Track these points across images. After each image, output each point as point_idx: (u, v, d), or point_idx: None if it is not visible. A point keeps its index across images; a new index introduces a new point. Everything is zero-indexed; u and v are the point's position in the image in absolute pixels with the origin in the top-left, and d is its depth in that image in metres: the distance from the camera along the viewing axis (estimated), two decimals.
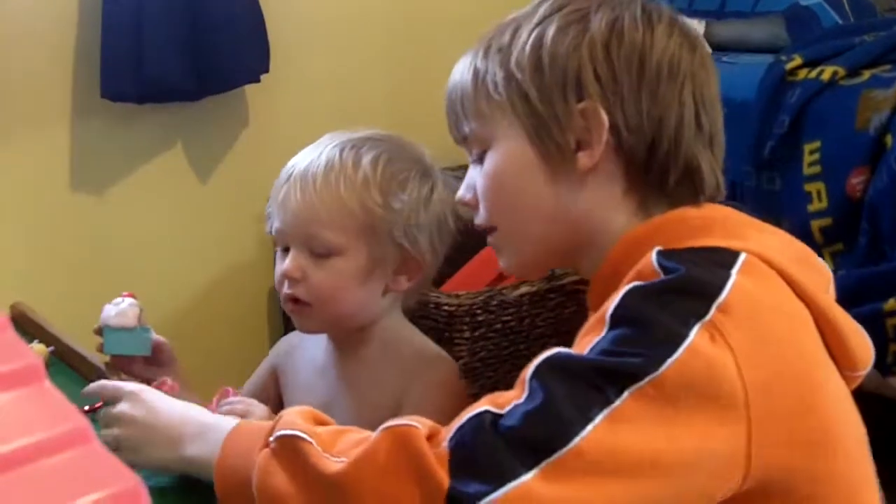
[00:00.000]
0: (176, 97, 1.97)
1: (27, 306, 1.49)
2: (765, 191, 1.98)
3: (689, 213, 0.92)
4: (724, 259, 0.84)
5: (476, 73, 0.97)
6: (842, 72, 1.92)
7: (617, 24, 0.93)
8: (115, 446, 1.03)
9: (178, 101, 1.98)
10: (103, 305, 1.26)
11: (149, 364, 1.26)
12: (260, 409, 1.16)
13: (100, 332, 1.25)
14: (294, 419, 0.91)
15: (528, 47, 0.94)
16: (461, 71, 1.00)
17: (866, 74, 1.92)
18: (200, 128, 2.08)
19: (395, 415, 1.15)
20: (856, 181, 1.83)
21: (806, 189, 1.91)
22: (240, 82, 2.05)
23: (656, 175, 0.93)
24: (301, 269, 1.20)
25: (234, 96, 2.08)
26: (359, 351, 1.26)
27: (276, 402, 1.31)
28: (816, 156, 1.90)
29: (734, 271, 0.82)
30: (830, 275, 0.94)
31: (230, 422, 0.99)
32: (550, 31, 0.94)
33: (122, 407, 1.04)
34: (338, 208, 1.18)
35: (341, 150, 1.21)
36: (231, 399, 1.18)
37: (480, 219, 1.00)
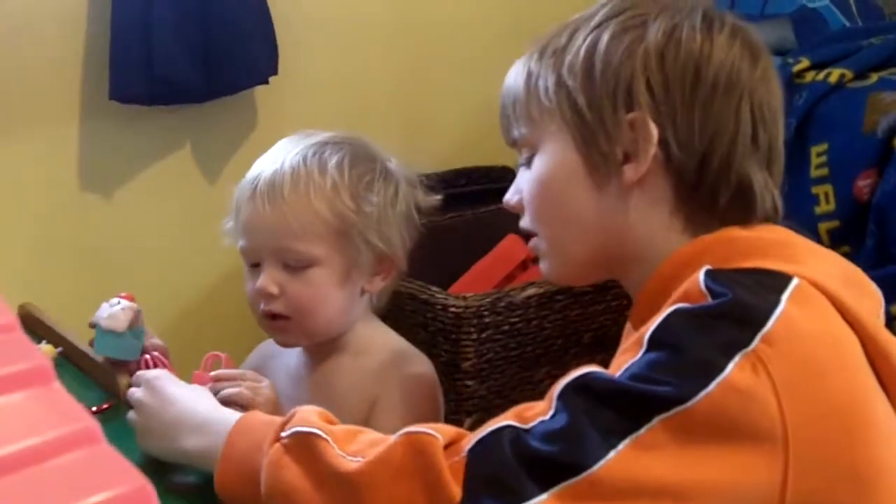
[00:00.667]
0: (185, 99, 1.97)
1: (35, 307, 1.50)
2: None
3: (740, 233, 0.88)
4: (775, 283, 0.81)
5: (529, 76, 0.95)
6: (849, 74, 1.92)
7: (675, 32, 0.89)
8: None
9: (186, 103, 1.99)
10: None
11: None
12: (265, 388, 1.15)
13: (94, 326, 1.25)
14: (309, 416, 0.91)
15: (581, 52, 0.91)
16: (515, 73, 0.97)
17: (874, 77, 1.92)
18: (209, 129, 2.09)
19: (369, 422, 1.16)
20: (863, 184, 1.83)
21: (813, 191, 1.90)
22: (248, 84, 2.05)
23: (706, 194, 0.89)
24: (278, 285, 1.18)
25: (243, 98, 2.08)
26: (332, 359, 1.25)
27: None
28: (824, 158, 1.90)
29: (784, 297, 0.79)
30: (882, 299, 0.91)
31: (233, 415, 1.00)
32: (605, 37, 0.90)
33: (138, 393, 1.08)
34: (310, 218, 1.17)
35: (304, 157, 1.19)
36: (231, 372, 1.17)
37: (525, 222, 0.98)
